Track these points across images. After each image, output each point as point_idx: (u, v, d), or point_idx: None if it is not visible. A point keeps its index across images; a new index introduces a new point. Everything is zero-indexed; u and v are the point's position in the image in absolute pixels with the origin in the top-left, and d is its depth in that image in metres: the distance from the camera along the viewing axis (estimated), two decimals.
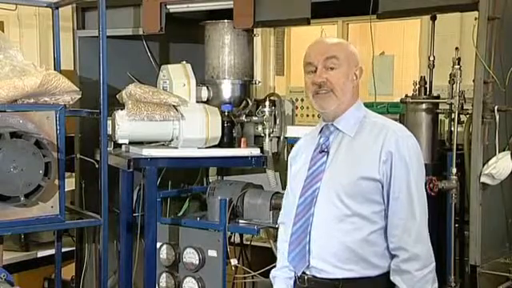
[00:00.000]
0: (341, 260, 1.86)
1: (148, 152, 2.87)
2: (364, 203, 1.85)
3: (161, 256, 3.01)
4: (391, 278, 1.86)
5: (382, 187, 1.85)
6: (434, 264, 1.87)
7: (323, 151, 1.93)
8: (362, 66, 1.97)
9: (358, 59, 1.96)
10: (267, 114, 3.04)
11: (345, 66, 1.90)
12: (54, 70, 3.03)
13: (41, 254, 3.49)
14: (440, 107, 2.78)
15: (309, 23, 2.92)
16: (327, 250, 1.87)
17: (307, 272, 1.92)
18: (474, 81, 2.47)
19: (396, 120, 2.56)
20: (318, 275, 1.90)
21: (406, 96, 2.84)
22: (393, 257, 1.86)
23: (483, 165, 2.47)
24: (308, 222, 1.90)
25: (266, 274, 2.90)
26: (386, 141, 1.85)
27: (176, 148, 2.95)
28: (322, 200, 1.89)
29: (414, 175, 1.86)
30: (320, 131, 1.98)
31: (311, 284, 1.91)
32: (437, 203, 2.54)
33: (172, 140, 2.96)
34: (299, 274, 1.94)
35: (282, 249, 2.07)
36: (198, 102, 3.07)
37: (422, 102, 2.76)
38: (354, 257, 1.85)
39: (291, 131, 3.09)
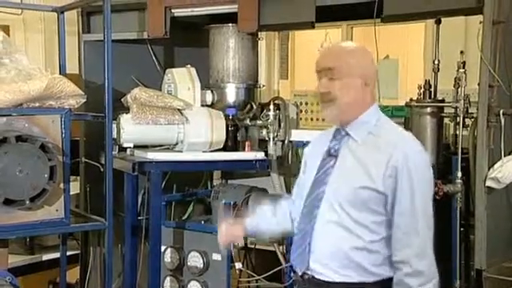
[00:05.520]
0: (338, 265, 1.87)
1: (153, 156, 2.87)
2: (364, 212, 1.85)
3: (165, 259, 3.01)
4: None
5: (386, 199, 1.84)
6: (436, 279, 1.85)
7: (332, 155, 1.94)
8: (370, 72, 1.94)
9: (364, 66, 1.92)
10: (271, 117, 3.04)
11: (346, 77, 1.89)
12: (60, 73, 3.04)
13: (46, 257, 3.49)
14: (445, 111, 2.77)
15: (313, 27, 2.93)
16: (326, 254, 1.88)
17: (308, 272, 1.93)
18: (479, 84, 2.46)
19: (401, 123, 2.56)
20: (316, 276, 1.91)
21: (411, 100, 2.84)
22: (394, 266, 1.86)
23: (488, 169, 2.46)
24: (310, 225, 1.91)
25: (271, 278, 2.91)
26: (394, 155, 1.83)
27: (181, 152, 2.95)
28: (325, 204, 1.89)
29: (419, 191, 1.84)
30: (333, 135, 1.99)
31: (311, 285, 1.93)
32: (442, 207, 2.53)
33: (177, 144, 2.97)
34: (300, 274, 1.95)
35: (281, 203, 2.13)
36: (202, 105, 3.07)
37: (427, 106, 2.76)
38: (351, 263, 1.85)
39: (295, 135, 3.09)
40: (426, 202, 1.86)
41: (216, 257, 2.88)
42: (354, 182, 1.85)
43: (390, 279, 1.86)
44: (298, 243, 1.96)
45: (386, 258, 1.86)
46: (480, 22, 2.46)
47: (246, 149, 3.01)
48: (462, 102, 2.63)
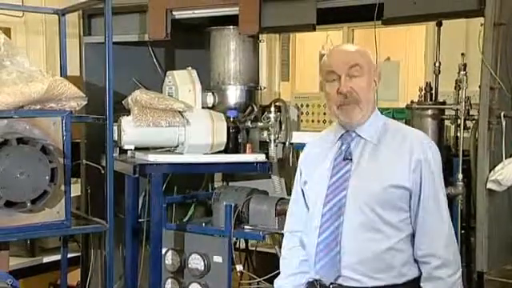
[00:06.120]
0: (371, 269, 1.85)
1: (153, 158, 2.87)
2: (392, 211, 1.84)
3: (166, 262, 3.01)
4: (422, 284, 1.85)
5: (410, 195, 1.85)
6: (461, 271, 1.88)
7: (347, 159, 1.90)
8: (379, 72, 1.95)
9: (376, 66, 1.94)
10: (272, 119, 3.04)
11: (367, 74, 1.88)
12: (61, 76, 3.04)
13: (47, 259, 3.49)
14: (446, 113, 2.77)
15: (314, 29, 2.93)
16: (358, 259, 1.85)
17: (336, 281, 1.89)
18: (480, 86, 2.46)
19: None
20: (345, 284, 1.88)
21: (412, 102, 2.83)
22: (418, 263, 1.86)
23: (490, 171, 2.46)
24: (337, 232, 1.86)
25: (272, 280, 2.89)
26: (414, 149, 1.85)
27: (181, 154, 2.95)
28: (351, 208, 1.86)
29: (439, 182, 1.89)
30: (339, 138, 1.96)
31: None
32: None
33: (177, 146, 2.97)
34: (328, 284, 1.91)
35: (289, 257, 2.06)
36: (203, 107, 3.07)
37: (428, 108, 2.76)
38: (383, 265, 1.84)
39: (296, 137, 3.09)
40: (444, 192, 1.91)
41: (217, 259, 2.88)
42: (380, 182, 1.84)
43: (418, 279, 1.87)
44: (322, 253, 1.89)
45: (410, 255, 1.87)
46: (481, 25, 2.46)
47: (247, 151, 3.02)
48: (463, 104, 2.63)
